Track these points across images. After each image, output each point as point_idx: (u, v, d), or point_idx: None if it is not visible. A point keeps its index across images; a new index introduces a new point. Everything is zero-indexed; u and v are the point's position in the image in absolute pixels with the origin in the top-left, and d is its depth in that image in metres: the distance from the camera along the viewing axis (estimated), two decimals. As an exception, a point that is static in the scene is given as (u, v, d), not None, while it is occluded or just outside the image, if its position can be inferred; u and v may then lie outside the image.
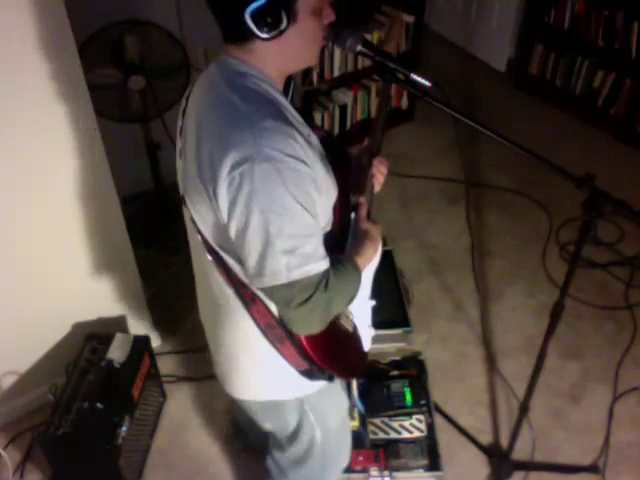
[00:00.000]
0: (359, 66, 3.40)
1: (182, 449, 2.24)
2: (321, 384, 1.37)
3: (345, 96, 3.51)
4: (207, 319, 1.44)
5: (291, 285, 1.07)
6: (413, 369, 2.37)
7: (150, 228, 2.93)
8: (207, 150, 1.08)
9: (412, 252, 3.00)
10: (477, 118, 1.29)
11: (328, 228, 1.23)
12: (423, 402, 2.24)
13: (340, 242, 1.29)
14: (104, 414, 1.91)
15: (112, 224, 2.14)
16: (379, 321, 2.59)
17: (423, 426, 2.17)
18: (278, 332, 1.22)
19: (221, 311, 1.30)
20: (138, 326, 2.42)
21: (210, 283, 1.29)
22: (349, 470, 2.06)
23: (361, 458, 2.09)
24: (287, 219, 1.04)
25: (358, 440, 2.14)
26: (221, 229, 1.13)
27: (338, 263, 1.16)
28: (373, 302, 1.44)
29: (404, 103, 3.82)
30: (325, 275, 1.10)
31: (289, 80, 1.23)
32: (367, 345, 1.43)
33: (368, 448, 2.12)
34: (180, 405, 2.37)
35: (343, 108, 3.50)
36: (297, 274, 1.06)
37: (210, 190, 1.08)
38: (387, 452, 2.10)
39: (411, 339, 2.51)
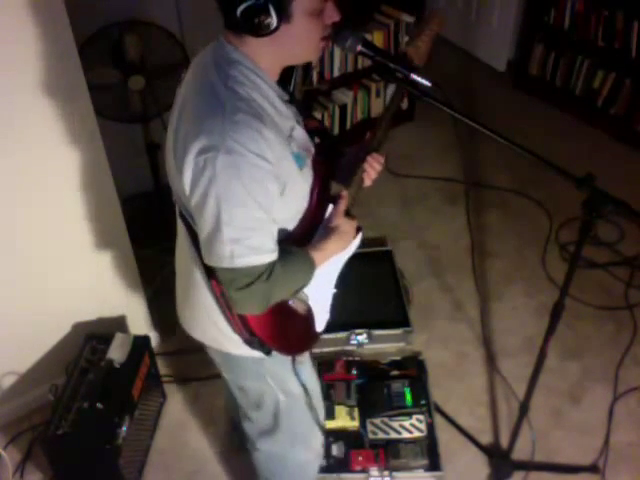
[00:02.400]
0: (359, 66, 3.40)
1: (182, 449, 2.24)
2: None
3: (345, 96, 3.51)
4: (178, 274, 1.54)
5: (233, 270, 1.14)
6: (413, 369, 2.38)
7: (150, 228, 2.93)
8: (184, 129, 1.15)
9: (412, 252, 3.00)
10: (477, 118, 1.29)
11: (299, 216, 1.29)
12: (423, 402, 2.24)
13: (310, 231, 1.34)
14: (104, 414, 1.91)
15: (112, 224, 2.14)
16: (379, 321, 2.61)
17: (423, 426, 2.17)
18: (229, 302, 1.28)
19: (188, 270, 1.39)
20: (138, 326, 2.42)
21: (182, 244, 1.41)
22: (349, 470, 2.07)
23: (361, 458, 2.09)
24: (239, 210, 1.10)
25: (358, 440, 2.15)
26: (186, 198, 1.19)
27: (290, 256, 1.22)
28: (334, 290, 1.49)
29: (404, 103, 3.82)
30: (269, 267, 1.17)
31: (291, 72, 1.25)
32: (320, 327, 1.50)
33: (368, 448, 2.12)
34: (180, 405, 2.37)
35: (343, 108, 3.50)
36: (239, 262, 1.13)
37: (179, 165, 1.15)
38: (387, 452, 2.10)
39: (411, 339, 2.51)
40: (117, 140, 2.28)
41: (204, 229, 1.15)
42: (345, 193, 1.36)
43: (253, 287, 1.15)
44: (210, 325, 1.42)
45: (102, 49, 2.38)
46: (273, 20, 1.07)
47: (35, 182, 1.88)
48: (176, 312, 1.57)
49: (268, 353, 1.40)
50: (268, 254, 1.16)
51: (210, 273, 1.27)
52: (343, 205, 1.35)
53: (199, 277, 1.35)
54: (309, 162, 1.26)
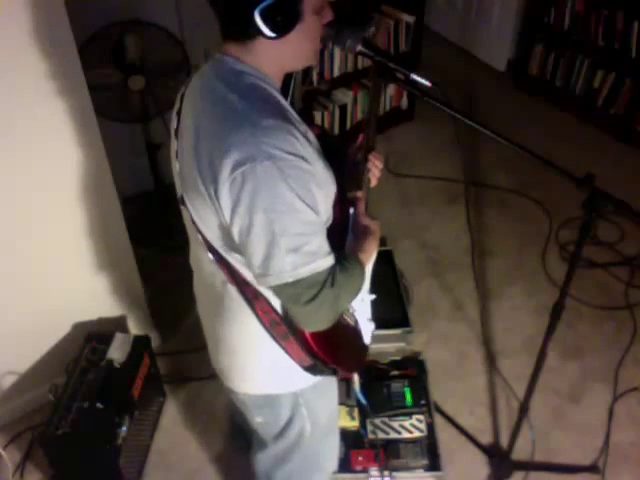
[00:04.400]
0: (359, 66, 3.40)
1: (182, 449, 2.24)
2: (316, 378, 1.37)
3: (345, 96, 3.51)
4: (206, 316, 1.44)
5: (298, 283, 1.06)
6: (413, 369, 2.38)
7: (150, 228, 2.93)
8: (206, 151, 1.07)
9: (412, 252, 3.00)
10: (477, 118, 1.29)
11: (329, 224, 1.23)
12: (423, 402, 2.24)
13: (340, 238, 1.30)
14: (104, 414, 1.91)
15: (112, 224, 2.14)
16: (379, 321, 2.60)
17: (423, 426, 2.17)
18: (283, 329, 1.22)
19: (223, 309, 1.30)
20: (138, 326, 2.43)
21: (212, 282, 1.29)
22: (349, 470, 2.07)
23: (361, 458, 2.09)
24: (291, 217, 1.03)
25: (358, 440, 2.15)
26: (223, 229, 1.12)
27: (343, 259, 1.17)
28: (373, 296, 1.44)
29: (404, 103, 3.82)
30: (331, 271, 1.10)
31: (289, 80, 1.23)
32: (367, 338, 1.44)
33: (368, 448, 2.12)
34: (180, 405, 2.37)
35: (343, 108, 3.50)
36: (303, 272, 1.06)
37: (211, 191, 1.06)
38: (387, 452, 2.10)
39: (411, 339, 2.51)
40: (117, 140, 2.28)
41: (257, 251, 1.05)
42: (360, 194, 1.34)
43: (321, 296, 1.07)
44: (256, 367, 1.35)
45: (102, 49, 2.38)
46: (292, 18, 1.04)
47: (35, 182, 1.87)
48: (210, 362, 1.48)
49: (334, 373, 1.34)
50: (328, 257, 1.09)
51: (252, 302, 1.21)
52: (362, 206, 1.33)
53: (237, 314, 1.27)
54: (328, 165, 1.20)
